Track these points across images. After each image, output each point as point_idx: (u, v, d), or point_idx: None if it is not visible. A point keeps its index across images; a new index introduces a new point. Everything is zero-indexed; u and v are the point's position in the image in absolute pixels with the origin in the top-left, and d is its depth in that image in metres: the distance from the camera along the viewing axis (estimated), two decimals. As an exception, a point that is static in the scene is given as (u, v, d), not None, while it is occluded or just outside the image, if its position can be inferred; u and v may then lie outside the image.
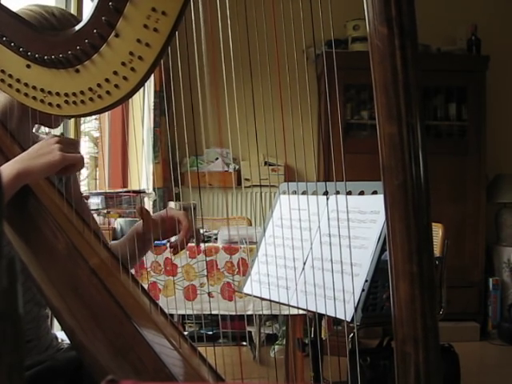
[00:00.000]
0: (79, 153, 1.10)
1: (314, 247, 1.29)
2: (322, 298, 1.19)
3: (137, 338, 1.03)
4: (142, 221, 1.30)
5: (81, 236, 1.15)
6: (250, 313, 2.37)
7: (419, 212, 0.70)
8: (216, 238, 2.53)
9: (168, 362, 1.01)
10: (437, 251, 2.70)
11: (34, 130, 1.36)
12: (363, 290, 1.17)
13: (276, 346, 3.63)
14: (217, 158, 4.19)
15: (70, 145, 1.09)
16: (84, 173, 3.60)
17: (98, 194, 2.73)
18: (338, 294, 1.16)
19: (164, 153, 3.98)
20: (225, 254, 2.37)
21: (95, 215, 2.63)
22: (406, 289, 0.71)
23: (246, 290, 1.44)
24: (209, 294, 2.33)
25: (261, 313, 2.42)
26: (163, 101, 3.90)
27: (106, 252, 1.17)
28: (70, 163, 1.07)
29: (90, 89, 1.02)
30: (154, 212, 1.35)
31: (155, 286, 2.32)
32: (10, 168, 1.05)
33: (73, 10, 2.95)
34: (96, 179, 3.86)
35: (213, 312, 2.36)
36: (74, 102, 1.04)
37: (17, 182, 1.05)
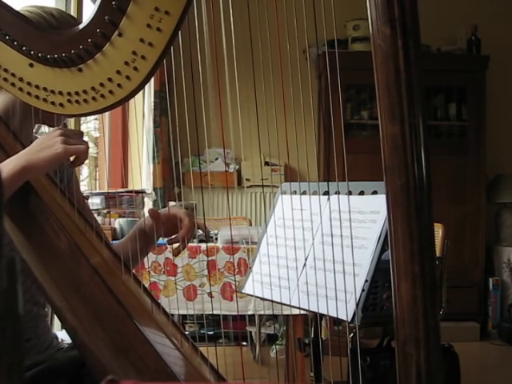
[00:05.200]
0: (84, 143, 1.08)
1: (315, 247, 1.29)
2: (323, 298, 1.19)
3: (138, 337, 1.03)
4: (144, 219, 1.31)
5: (83, 235, 1.15)
6: (250, 313, 2.37)
7: (421, 212, 0.70)
8: (216, 238, 2.53)
9: (169, 361, 1.01)
10: (437, 251, 2.70)
11: (34, 131, 1.36)
12: (363, 290, 1.17)
13: (276, 346, 3.63)
14: (217, 158, 4.19)
15: (73, 135, 1.08)
16: (84, 173, 3.59)
17: (98, 194, 2.73)
18: (338, 294, 1.16)
19: (164, 153, 3.98)
20: (225, 253, 2.37)
21: (95, 215, 2.63)
22: (407, 289, 0.71)
23: (247, 290, 1.44)
24: (209, 294, 2.33)
25: (261, 313, 2.42)
26: (163, 101, 3.90)
27: (108, 251, 1.17)
28: (73, 155, 1.08)
29: (93, 88, 1.02)
30: None
31: (155, 286, 2.32)
32: (12, 163, 1.04)
33: (73, 11, 2.95)
34: (96, 179, 3.85)
35: (213, 312, 2.36)
36: (77, 101, 1.04)
37: (20, 177, 1.05)
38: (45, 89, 1.05)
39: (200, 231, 1.31)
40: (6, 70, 1.07)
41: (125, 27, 0.96)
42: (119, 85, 1.00)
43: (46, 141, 1.07)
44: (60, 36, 1.04)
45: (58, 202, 1.17)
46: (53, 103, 1.06)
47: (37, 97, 1.07)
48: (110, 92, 1.01)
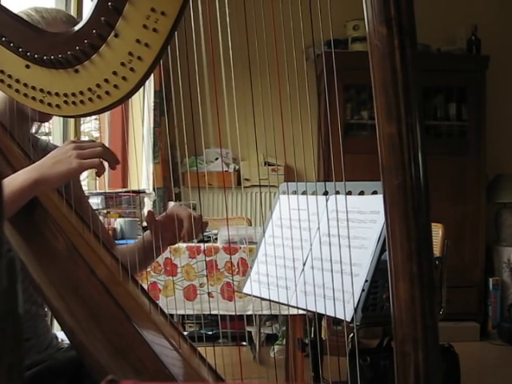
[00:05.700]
0: (98, 152, 1.06)
1: (314, 247, 1.29)
2: (322, 298, 1.19)
3: (137, 338, 1.03)
4: (143, 235, 1.30)
5: (80, 237, 1.15)
6: (249, 313, 2.37)
7: (419, 212, 0.70)
8: (216, 238, 2.53)
9: (168, 362, 1.01)
10: (437, 251, 2.70)
11: (34, 131, 1.36)
12: (363, 290, 1.17)
13: (276, 346, 3.62)
14: (216, 158, 4.19)
15: (87, 147, 1.07)
16: (84, 173, 3.60)
17: (98, 194, 2.72)
18: (337, 294, 1.16)
19: (164, 153, 3.98)
20: (225, 253, 2.37)
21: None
22: (405, 289, 0.70)
23: (246, 290, 1.43)
24: (209, 294, 2.33)
25: (261, 313, 2.42)
26: (163, 101, 3.89)
27: (106, 252, 1.17)
28: (87, 169, 1.07)
29: (90, 89, 1.02)
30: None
31: (155, 286, 2.32)
32: (25, 175, 1.04)
33: (73, 10, 2.95)
34: (96, 179, 3.85)
35: (213, 312, 2.36)
36: (74, 103, 1.04)
37: (31, 190, 1.05)
38: (41, 90, 1.05)
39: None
40: (2, 72, 1.07)
41: (121, 28, 0.96)
42: (116, 86, 1.00)
43: (59, 155, 1.06)
44: (56, 37, 1.04)
45: (55, 204, 1.16)
46: (49, 104, 1.06)
47: (33, 98, 1.07)
48: (107, 93, 1.01)
